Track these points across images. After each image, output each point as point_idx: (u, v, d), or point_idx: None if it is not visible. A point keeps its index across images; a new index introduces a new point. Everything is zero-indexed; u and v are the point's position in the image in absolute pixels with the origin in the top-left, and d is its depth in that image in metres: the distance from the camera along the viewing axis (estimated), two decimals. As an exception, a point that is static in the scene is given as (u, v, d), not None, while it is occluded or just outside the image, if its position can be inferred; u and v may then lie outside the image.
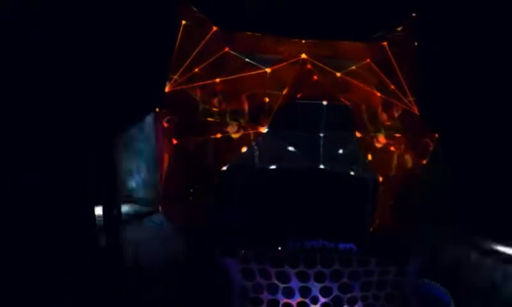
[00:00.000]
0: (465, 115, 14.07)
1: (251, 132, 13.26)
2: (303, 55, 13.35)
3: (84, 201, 12.83)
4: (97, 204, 12.96)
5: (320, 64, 13.38)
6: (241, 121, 13.41)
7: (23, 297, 11.99)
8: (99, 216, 12.92)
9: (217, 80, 13.39)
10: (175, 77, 13.24)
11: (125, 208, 13.02)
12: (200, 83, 13.37)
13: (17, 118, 12.59)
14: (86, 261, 12.52)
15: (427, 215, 13.78)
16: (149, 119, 13.27)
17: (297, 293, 12.22)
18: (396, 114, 13.69)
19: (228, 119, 13.38)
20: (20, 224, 12.11)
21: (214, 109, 13.46)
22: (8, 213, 12.17)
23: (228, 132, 13.27)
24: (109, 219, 12.91)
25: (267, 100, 13.49)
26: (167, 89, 13.17)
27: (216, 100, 13.48)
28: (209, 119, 13.38)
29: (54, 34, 12.75)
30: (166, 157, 13.17)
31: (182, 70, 13.26)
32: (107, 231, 12.86)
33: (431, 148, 13.51)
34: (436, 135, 13.50)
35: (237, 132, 13.31)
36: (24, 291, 11.99)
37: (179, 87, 13.30)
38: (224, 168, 13.16)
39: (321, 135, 13.32)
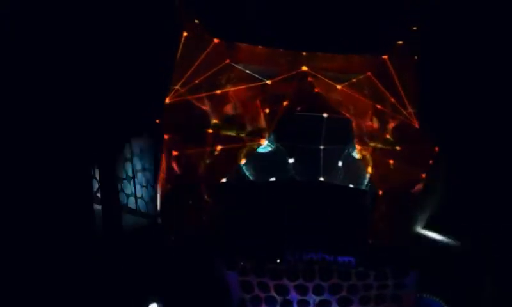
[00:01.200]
0: (466, 127, 14.05)
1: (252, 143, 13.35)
2: (304, 68, 13.39)
3: (85, 212, 12.86)
4: (98, 215, 12.99)
5: (321, 77, 13.42)
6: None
7: (21, 297, 12.04)
8: (99, 226, 12.96)
9: (218, 91, 13.45)
10: (176, 87, 13.29)
11: (125, 220, 13.03)
12: (201, 95, 13.41)
13: (21, 123, 12.64)
14: (85, 269, 12.56)
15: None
16: (150, 130, 13.29)
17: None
18: (395, 127, 13.70)
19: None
20: (20, 228, 12.15)
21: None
22: (8, 215, 12.23)
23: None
24: (109, 230, 12.93)
25: (267, 111, 13.55)
26: (167, 100, 13.21)
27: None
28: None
29: (56, 43, 12.80)
30: (166, 168, 13.21)
31: (182, 81, 13.31)
32: (106, 241, 12.90)
33: (431, 162, 13.51)
34: (437, 148, 13.49)
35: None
36: (21, 292, 12.04)
37: (180, 99, 13.34)
38: (224, 180, 13.21)
39: (321, 147, 13.32)
